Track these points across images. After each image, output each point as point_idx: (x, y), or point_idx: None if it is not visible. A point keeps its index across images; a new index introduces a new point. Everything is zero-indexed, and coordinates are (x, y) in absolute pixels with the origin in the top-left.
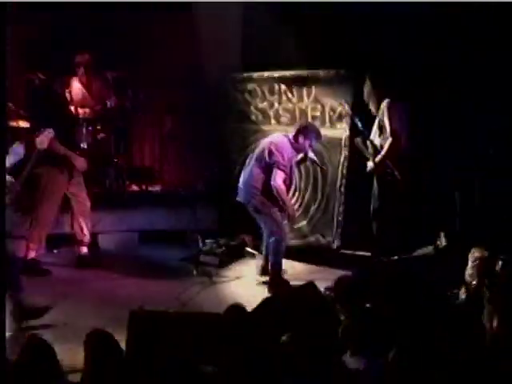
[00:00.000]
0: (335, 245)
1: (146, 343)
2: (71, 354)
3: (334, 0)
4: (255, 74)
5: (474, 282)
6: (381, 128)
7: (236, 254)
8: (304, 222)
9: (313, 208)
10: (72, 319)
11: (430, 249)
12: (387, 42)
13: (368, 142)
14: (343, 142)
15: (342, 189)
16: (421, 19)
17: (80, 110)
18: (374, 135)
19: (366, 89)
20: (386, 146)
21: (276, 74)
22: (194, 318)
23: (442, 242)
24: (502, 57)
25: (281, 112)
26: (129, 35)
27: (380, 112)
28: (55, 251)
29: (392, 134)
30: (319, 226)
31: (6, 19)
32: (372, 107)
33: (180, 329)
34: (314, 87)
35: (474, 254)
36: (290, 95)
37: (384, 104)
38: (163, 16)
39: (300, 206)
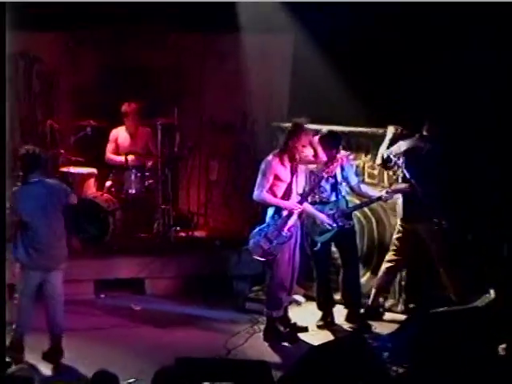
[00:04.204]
0: (398, 309)
1: None
2: None
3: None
4: (310, 126)
5: None
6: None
7: None
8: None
9: (370, 270)
10: (118, 363)
11: (477, 300)
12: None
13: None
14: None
15: None
16: None
17: (128, 157)
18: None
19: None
20: None
21: (333, 128)
22: (239, 366)
23: (491, 294)
24: None
25: None
26: (177, 83)
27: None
28: (102, 296)
29: None
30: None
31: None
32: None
33: (225, 376)
34: (371, 145)
35: None
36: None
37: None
38: (212, 64)
39: None
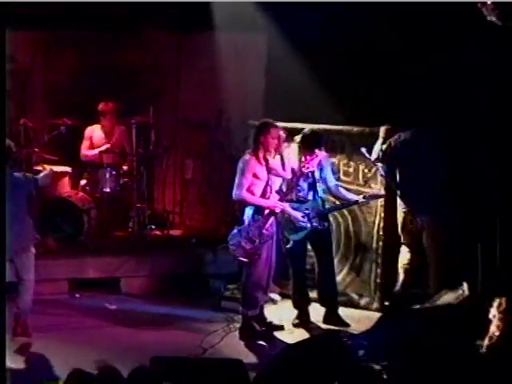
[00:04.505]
0: (374, 307)
1: None
2: None
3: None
4: (282, 124)
5: (497, 334)
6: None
7: None
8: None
9: (346, 268)
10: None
11: (451, 297)
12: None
13: None
14: (379, 202)
15: (379, 250)
16: None
17: (104, 156)
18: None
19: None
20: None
21: (306, 125)
22: (215, 365)
23: (465, 291)
24: None
25: None
26: (153, 81)
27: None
28: (77, 295)
29: None
30: (354, 285)
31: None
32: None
33: (201, 375)
34: (346, 143)
35: (501, 305)
36: None
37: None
38: (187, 63)
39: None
